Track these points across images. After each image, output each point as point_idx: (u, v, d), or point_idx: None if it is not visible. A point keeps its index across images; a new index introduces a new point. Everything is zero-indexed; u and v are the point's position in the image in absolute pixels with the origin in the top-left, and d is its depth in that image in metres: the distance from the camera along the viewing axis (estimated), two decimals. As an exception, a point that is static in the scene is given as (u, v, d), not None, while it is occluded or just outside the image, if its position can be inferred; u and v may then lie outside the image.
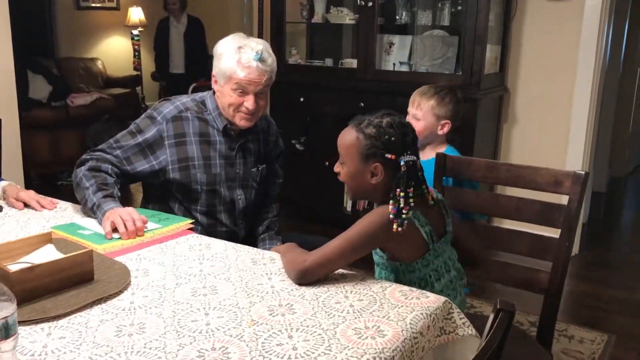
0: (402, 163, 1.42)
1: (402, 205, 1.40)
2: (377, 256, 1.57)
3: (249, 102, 1.90)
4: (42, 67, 5.73)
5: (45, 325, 1.19)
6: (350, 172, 1.51)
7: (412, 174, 1.43)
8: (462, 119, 2.22)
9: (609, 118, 4.90)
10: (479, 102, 3.34)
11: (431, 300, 1.34)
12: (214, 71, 1.94)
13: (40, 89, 5.49)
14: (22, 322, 1.16)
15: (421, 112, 2.13)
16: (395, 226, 1.40)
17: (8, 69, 3.43)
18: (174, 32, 6.17)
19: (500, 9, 3.59)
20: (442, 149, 2.17)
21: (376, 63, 3.72)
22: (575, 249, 3.63)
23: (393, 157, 1.44)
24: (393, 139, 1.44)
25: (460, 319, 1.36)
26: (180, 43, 6.16)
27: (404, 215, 1.41)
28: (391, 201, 1.41)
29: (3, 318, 0.92)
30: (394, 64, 3.77)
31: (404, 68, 3.72)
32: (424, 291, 1.40)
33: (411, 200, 1.42)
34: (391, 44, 3.81)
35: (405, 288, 1.41)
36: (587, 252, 3.76)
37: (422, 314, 1.28)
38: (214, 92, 2.00)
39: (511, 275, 1.87)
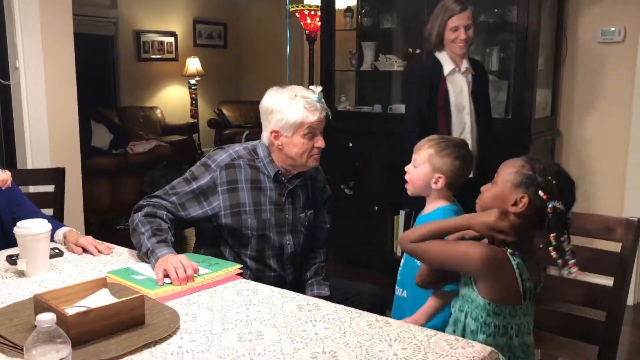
0: (550, 206, 1.44)
1: (568, 248, 1.45)
2: (468, 288, 1.56)
3: (320, 142, 2.01)
4: (104, 117, 6.00)
5: (98, 367, 1.24)
6: (496, 193, 1.53)
7: (559, 220, 1.45)
8: (463, 178, 1.94)
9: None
10: (530, 146, 3.30)
11: (477, 350, 1.31)
12: (274, 127, 1.98)
13: (102, 137, 5.72)
14: (77, 364, 1.21)
15: (420, 158, 1.94)
16: (574, 270, 1.45)
17: (72, 120, 3.64)
18: (456, 89, 2.89)
19: (549, 53, 3.58)
20: (440, 204, 1.91)
21: (425, 108, 3.73)
22: (633, 299, 3.47)
23: (545, 197, 1.45)
24: (554, 182, 1.47)
25: (508, 370, 1.33)
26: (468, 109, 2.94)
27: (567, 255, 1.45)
28: (550, 248, 1.44)
29: (58, 360, 0.97)
30: (443, 109, 3.78)
31: (453, 113, 3.72)
32: (470, 341, 1.38)
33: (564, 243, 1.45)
34: (440, 90, 3.82)
35: (451, 337, 1.39)
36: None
37: (467, 364, 1.26)
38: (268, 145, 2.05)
39: (565, 325, 1.82)
